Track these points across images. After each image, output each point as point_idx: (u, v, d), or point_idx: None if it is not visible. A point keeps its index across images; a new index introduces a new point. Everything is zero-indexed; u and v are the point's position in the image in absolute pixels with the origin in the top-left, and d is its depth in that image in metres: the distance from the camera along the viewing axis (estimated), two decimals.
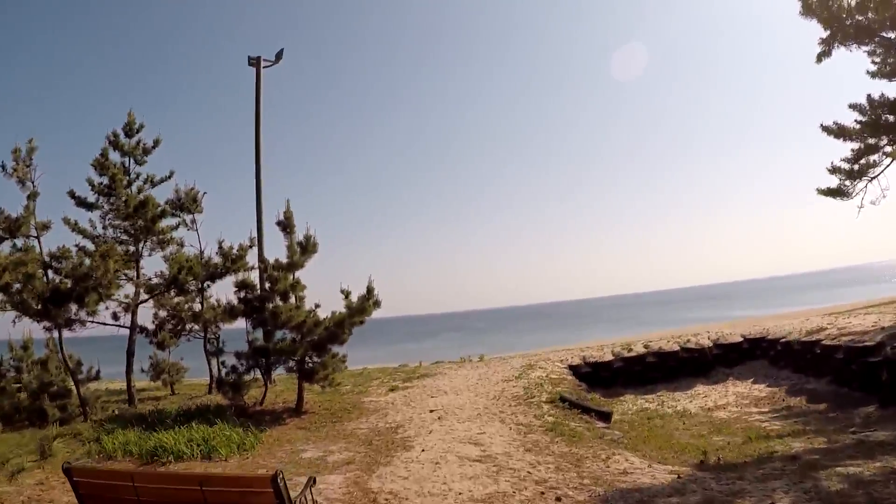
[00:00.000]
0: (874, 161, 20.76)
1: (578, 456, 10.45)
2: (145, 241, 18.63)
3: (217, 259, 18.15)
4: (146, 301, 18.70)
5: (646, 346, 22.28)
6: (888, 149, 20.33)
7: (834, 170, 21.35)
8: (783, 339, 19.98)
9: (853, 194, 21.37)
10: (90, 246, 18.15)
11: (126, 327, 18.26)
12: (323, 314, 15.56)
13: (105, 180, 18.37)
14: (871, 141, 20.46)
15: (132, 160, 19.07)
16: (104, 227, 18.73)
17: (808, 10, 18.80)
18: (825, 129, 20.96)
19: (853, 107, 20.21)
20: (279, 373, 18.03)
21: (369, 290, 15.37)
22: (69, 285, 15.08)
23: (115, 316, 18.06)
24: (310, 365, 15.69)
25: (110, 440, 12.79)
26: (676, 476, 9.08)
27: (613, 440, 11.99)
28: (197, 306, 19.40)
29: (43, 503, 9.33)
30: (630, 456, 10.52)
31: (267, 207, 21.20)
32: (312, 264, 15.85)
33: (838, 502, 7.61)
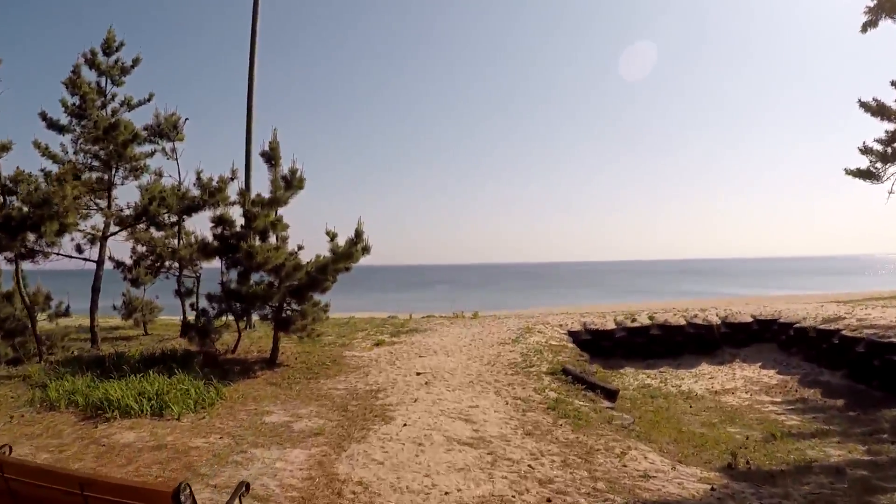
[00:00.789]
0: None
1: (588, 447, 8.67)
2: (117, 168, 16.70)
3: (196, 191, 16.30)
4: (116, 234, 16.86)
5: (651, 318, 20.94)
6: None
7: (865, 150, 19.79)
8: (796, 324, 18.95)
9: (884, 178, 19.78)
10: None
11: (92, 261, 16.45)
12: (309, 258, 13.78)
13: (76, 100, 16.43)
14: None
15: (109, 80, 17.11)
16: (76, 152, 16.88)
17: None
18: (864, 105, 19.47)
19: None
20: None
21: (358, 234, 13.46)
22: (25, 212, 13.20)
23: (78, 248, 16.31)
24: (287, 313, 13.92)
25: (56, 387, 11.22)
26: (709, 487, 7.31)
27: (624, 426, 10.25)
28: (177, 242, 17.67)
29: None
30: (648, 452, 8.76)
31: (259, 141, 19.32)
32: (306, 208, 13.92)
33: None
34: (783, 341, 19.14)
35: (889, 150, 19.65)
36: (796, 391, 15.79)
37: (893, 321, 16.65)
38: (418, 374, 13.19)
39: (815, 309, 20.67)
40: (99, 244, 16.59)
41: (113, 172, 16.76)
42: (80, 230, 16.03)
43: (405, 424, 9.42)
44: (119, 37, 17.14)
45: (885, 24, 18.02)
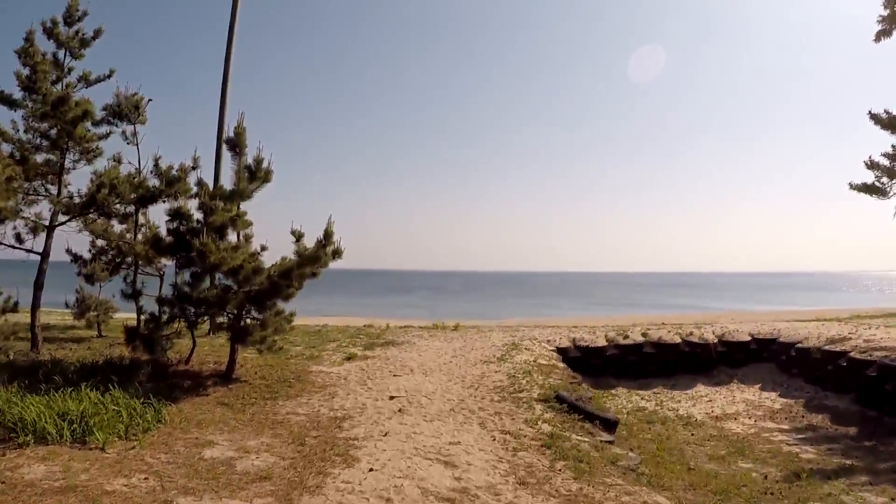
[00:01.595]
0: None
1: (595, 502, 6.92)
2: (67, 150, 14.78)
3: (154, 180, 14.45)
4: (63, 223, 14.92)
5: (644, 335, 19.55)
6: None
7: (872, 165, 18.55)
8: (798, 344, 17.86)
9: (890, 193, 18.49)
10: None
11: (36, 253, 14.54)
12: (276, 261, 11.97)
13: (27, 72, 14.51)
14: None
15: (68, 53, 15.19)
16: (26, 130, 14.96)
17: None
18: (874, 117, 18.34)
19: None
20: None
21: (327, 236, 11.65)
22: None
23: (18, 238, 14.37)
24: (247, 322, 12.09)
25: None
26: None
27: (630, 468, 8.59)
28: (140, 236, 15.77)
29: None
30: None
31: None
32: (281, 205, 12.10)
33: None
34: (783, 362, 17.99)
35: None
36: (803, 417, 14.74)
37: None
38: (392, 397, 11.37)
39: (815, 328, 19.45)
40: (45, 235, 14.64)
41: (63, 154, 14.83)
42: (24, 217, 14.19)
43: (371, 469, 7.55)
44: (85, 5, 15.25)
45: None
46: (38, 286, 14.50)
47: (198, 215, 11.95)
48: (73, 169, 15.26)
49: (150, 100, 15.88)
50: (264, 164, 12.04)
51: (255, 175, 11.92)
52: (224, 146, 12.12)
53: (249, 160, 12.03)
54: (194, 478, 7.03)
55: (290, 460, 7.86)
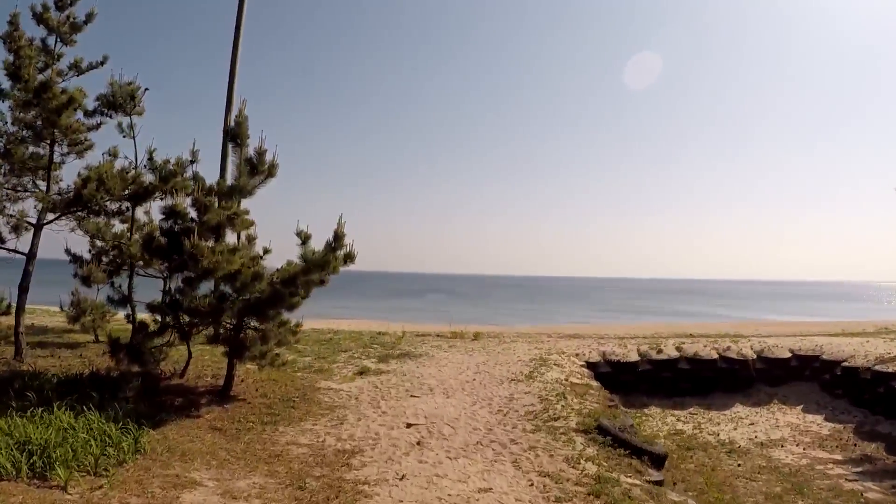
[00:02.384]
0: None
1: None
2: (53, 142, 13.32)
3: (149, 175, 12.98)
4: (51, 222, 13.47)
5: (678, 349, 17.80)
6: None
7: None
8: (844, 363, 16.31)
9: None
10: None
11: (21, 254, 13.10)
12: (282, 266, 10.46)
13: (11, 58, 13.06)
14: None
15: (58, 39, 13.74)
16: (13, 122, 13.53)
17: None
18: None
19: None
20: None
21: (337, 238, 10.12)
22: None
23: None
24: (245, 334, 10.54)
25: None
26: None
27: None
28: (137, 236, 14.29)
29: None
30: None
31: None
32: (294, 210, 10.53)
33: None
34: (827, 381, 16.47)
35: None
36: (855, 445, 13.30)
37: None
38: (409, 425, 9.78)
39: (860, 344, 17.86)
40: (32, 234, 13.22)
41: (50, 147, 13.41)
42: (7, 215, 12.84)
43: None
44: None
45: None
46: (23, 289, 13.10)
47: (194, 214, 10.44)
48: (63, 163, 13.85)
49: (146, 89, 14.41)
50: (267, 157, 10.52)
51: (257, 168, 10.39)
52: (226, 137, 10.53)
53: (251, 152, 10.49)
54: None
55: None
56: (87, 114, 13.93)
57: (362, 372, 13.65)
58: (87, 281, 14.89)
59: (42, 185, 13.85)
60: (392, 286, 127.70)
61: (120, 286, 13.44)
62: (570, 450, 8.96)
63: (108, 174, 11.89)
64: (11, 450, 6.98)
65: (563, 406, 11.28)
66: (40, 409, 8.41)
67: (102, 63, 14.14)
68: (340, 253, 10.15)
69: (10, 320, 13.35)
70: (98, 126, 14.00)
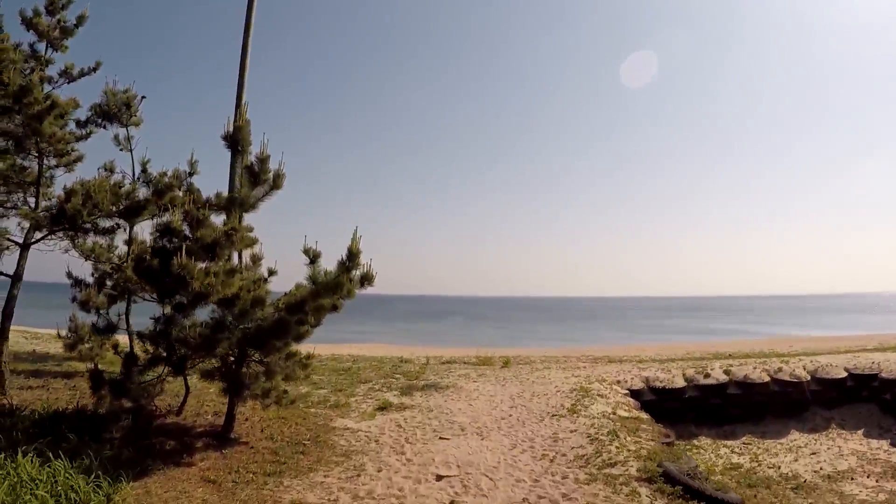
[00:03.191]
0: None
1: None
2: (40, 153, 11.89)
3: (144, 190, 11.55)
4: (38, 241, 12.04)
5: (727, 372, 15.97)
6: None
7: None
8: None
9: None
10: None
11: (6, 275, 11.70)
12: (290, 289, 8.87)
13: None
14: None
15: (48, 45, 12.42)
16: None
17: None
18: None
19: None
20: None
21: (352, 256, 8.46)
22: None
23: None
24: (248, 367, 8.94)
25: None
26: None
27: None
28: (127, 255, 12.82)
29: None
30: None
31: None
32: (309, 231, 8.91)
33: None
34: (887, 402, 14.97)
35: None
36: None
37: None
38: (439, 477, 8.09)
39: None
40: (19, 254, 11.84)
41: (39, 160, 12.04)
42: None
43: None
44: None
45: None
46: (7, 315, 11.74)
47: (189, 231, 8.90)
48: (53, 178, 12.47)
49: (143, 97, 13.03)
50: (272, 165, 8.95)
51: (259, 178, 8.87)
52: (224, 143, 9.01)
53: (253, 159, 8.95)
54: None
55: None
56: (80, 124, 12.58)
57: (384, 407, 12.02)
58: (85, 306, 13.38)
59: (33, 201, 12.47)
60: (409, 309, 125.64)
61: (107, 312, 11.92)
62: None
63: (95, 187, 10.40)
64: None
65: (617, 447, 9.54)
66: (1, 456, 6.89)
67: (95, 69, 12.78)
68: (356, 274, 8.55)
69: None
70: (87, 136, 12.60)
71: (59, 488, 6.36)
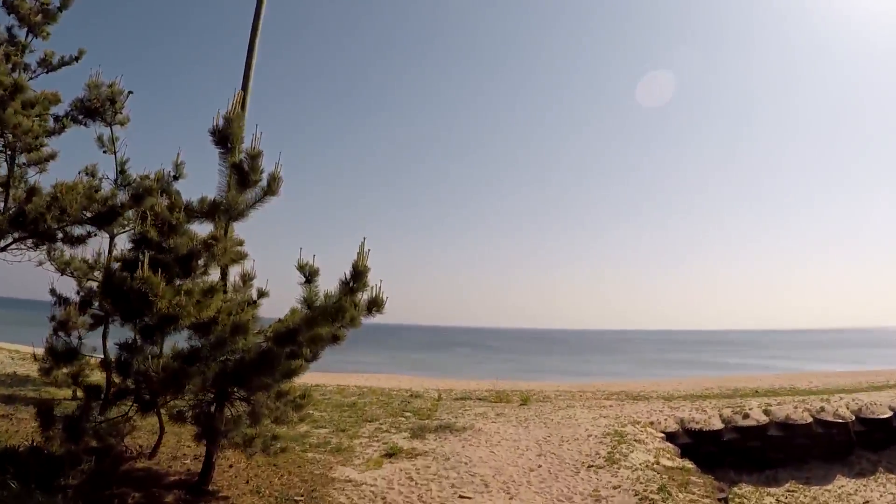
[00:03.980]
0: None
1: None
2: (6, 145, 10.33)
3: (122, 195, 9.95)
4: (2, 250, 10.42)
5: (766, 412, 14.64)
6: None
7: None
8: None
9: None
10: None
11: None
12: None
13: None
14: None
15: (29, 31, 10.91)
16: None
17: None
18: None
19: None
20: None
21: (357, 274, 6.67)
22: None
23: None
24: (231, 408, 7.25)
25: None
26: None
27: None
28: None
29: None
30: None
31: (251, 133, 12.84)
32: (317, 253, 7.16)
33: None
34: None
35: None
36: None
37: None
38: None
39: None
40: None
41: (10, 158, 10.47)
42: None
43: None
44: None
45: None
46: None
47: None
48: (23, 178, 10.86)
49: (130, 92, 11.36)
50: (266, 167, 7.29)
51: (249, 179, 7.16)
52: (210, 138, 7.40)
53: (243, 157, 7.32)
54: None
55: None
56: (56, 119, 11.02)
57: (392, 453, 10.18)
58: (64, 326, 11.71)
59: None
60: (414, 339, 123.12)
61: (81, 336, 10.28)
62: None
63: (63, 189, 8.79)
64: None
65: None
66: None
67: (77, 59, 11.21)
68: (362, 298, 6.85)
69: None
70: (60, 130, 10.97)
71: None
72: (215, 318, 6.40)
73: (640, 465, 9.90)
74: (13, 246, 10.34)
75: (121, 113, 11.35)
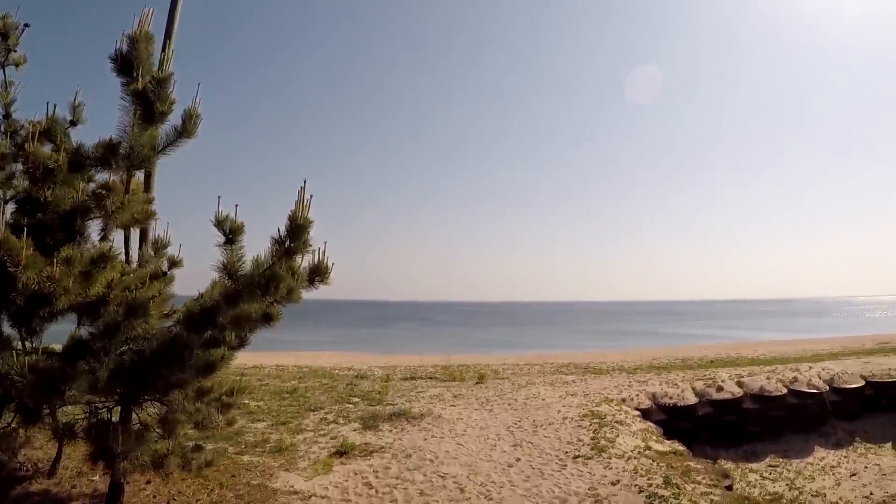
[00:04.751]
0: None
1: None
2: None
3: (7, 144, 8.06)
4: None
5: (739, 384, 14.08)
6: None
7: None
8: None
9: None
10: None
11: None
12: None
13: None
14: None
15: None
16: None
17: None
18: None
19: None
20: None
21: (296, 231, 4.70)
22: None
23: None
24: (138, 414, 5.56)
25: None
26: None
27: None
28: None
29: None
30: None
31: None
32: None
33: None
34: None
35: None
36: None
37: None
38: None
39: None
40: None
41: None
42: None
43: None
44: None
45: None
46: None
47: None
48: None
49: (26, 25, 9.34)
50: (174, 95, 5.51)
51: (154, 111, 5.34)
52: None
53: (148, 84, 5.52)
54: None
55: None
56: None
57: (343, 451, 8.46)
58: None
59: None
60: (357, 315, 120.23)
61: None
62: None
63: None
64: None
65: None
66: None
67: None
68: (301, 263, 5.18)
69: None
70: None
71: None
72: (104, 296, 4.69)
73: (631, 451, 8.56)
74: None
75: (15, 51, 9.36)
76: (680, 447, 9.49)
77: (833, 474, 11.23)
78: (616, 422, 10.30)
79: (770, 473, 11.49)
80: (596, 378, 15.29)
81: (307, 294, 5.37)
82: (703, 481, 7.48)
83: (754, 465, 11.91)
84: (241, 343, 5.24)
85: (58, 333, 5.13)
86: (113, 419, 5.60)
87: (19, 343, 5.37)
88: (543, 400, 12.28)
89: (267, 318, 5.01)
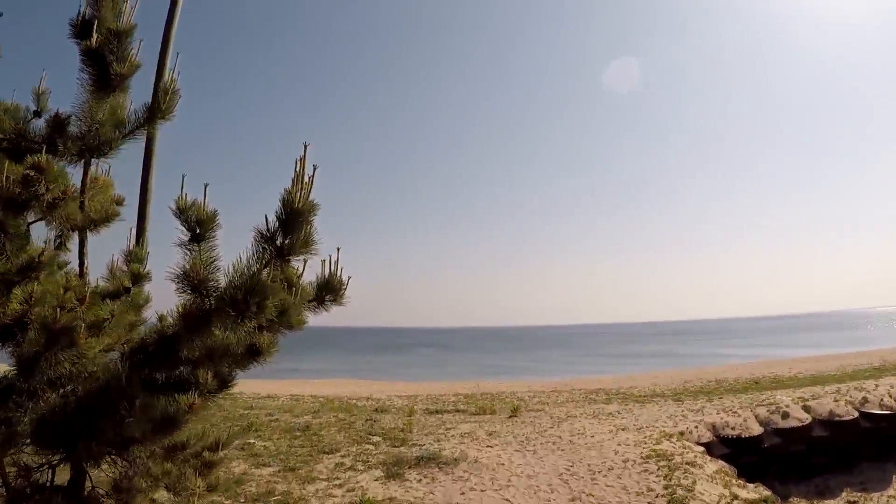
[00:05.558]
0: None
1: None
2: None
3: None
4: None
5: (805, 408, 12.54)
6: None
7: None
8: None
9: None
10: None
11: None
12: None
13: None
14: None
15: None
16: None
17: None
18: None
19: None
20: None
21: (290, 217, 3.02)
22: None
23: None
24: (90, 473, 4.09)
25: None
26: None
27: None
28: None
29: None
30: None
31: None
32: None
33: None
34: None
35: None
36: None
37: None
38: None
39: None
40: None
41: None
42: None
43: None
44: None
45: None
46: None
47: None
48: None
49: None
50: (138, 56, 4.05)
51: (110, 77, 3.94)
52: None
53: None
54: None
55: None
56: None
57: None
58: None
59: None
60: (373, 341, 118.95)
61: None
62: None
63: None
64: None
65: None
66: None
67: None
68: (303, 271, 3.62)
69: None
70: None
71: None
72: (23, 316, 3.24)
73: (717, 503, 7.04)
74: None
75: None
76: (766, 492, 8.05)
77: None
78: (686, 463, 8.77)
79: None
80: (642, 407, 13.72)
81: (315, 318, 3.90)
82: None
83: (830, 503, 10.61)
84: (225, 384, 3.74)
85: None
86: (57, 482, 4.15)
87: None
88: (592, 437, 10.65)
89: (253, 352, 3.43)
